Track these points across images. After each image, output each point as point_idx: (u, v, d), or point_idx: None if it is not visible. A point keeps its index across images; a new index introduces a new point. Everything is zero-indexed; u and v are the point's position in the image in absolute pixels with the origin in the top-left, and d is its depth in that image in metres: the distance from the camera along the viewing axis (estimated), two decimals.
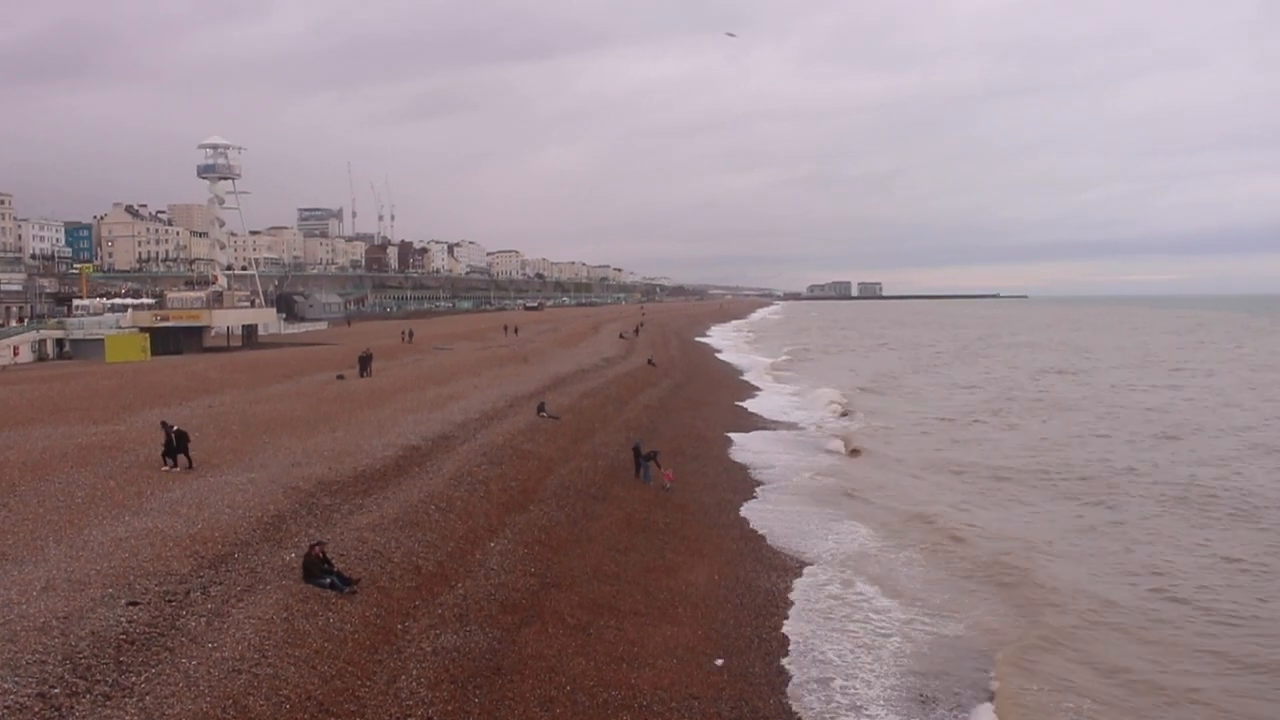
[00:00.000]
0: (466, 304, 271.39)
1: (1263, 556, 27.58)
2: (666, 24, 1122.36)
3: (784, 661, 19.50)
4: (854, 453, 43.93)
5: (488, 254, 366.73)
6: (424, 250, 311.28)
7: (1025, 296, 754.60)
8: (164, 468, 30.29)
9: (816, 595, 23.69)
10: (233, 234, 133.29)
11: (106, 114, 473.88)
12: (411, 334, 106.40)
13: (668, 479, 34.61)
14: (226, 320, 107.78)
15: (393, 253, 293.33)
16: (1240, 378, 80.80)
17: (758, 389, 71.93)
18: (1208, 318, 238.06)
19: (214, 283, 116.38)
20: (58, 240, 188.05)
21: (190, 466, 30.34)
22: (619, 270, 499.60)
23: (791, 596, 23.59)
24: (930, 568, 26.54)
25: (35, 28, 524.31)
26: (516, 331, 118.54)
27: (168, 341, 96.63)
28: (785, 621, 21.78)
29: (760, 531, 29.60)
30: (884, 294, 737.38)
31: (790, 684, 18.48)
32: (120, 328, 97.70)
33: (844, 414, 57.78)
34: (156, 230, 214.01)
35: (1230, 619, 22.69)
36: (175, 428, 31.58)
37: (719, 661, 19.07)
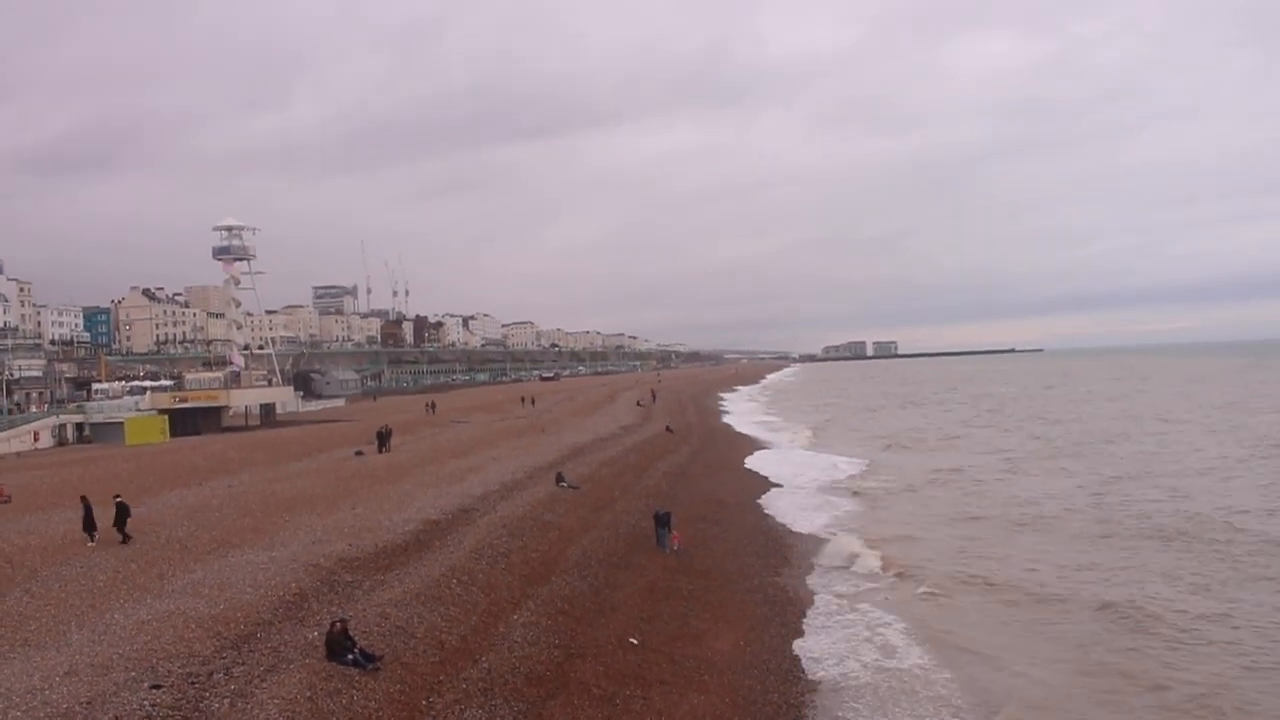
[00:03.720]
0: (482, 376, 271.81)
1: None
2: (675, 100, 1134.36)
3: None
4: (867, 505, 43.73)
5: (502, 326, 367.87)
6: (439, 324, 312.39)
7: (1041, 350, 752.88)
8: (89, 543, 30.69)
9: (843, 658, 23.45)
10: (249, 314, 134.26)
11: (126, 204, 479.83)
12: (434, 406, 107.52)
13: (675, 541, 34.42)
14: (244, 400, 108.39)
15: (408, 327, 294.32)
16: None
17: (773, 451, 71.62)
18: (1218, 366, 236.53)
19: (231, 363, 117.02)
20: (76, 325, 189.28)
21: (125, 541, 30.83)
22: (634, 338, 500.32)
23: (817, 658, 23.34)
24: (956, 615, 26.25)
25: (64, 127, 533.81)
26: (533, 402, 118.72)
27: (186, 422, 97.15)
28: (812, 687, 21.52)
29: (785, 597, 29.32)
30: (899, 353, 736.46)
31: None
32: (139, 410, 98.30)
33: (858, 473, 57.75)
34: (173, 312, 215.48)
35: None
36: (118, 499, 32.21)
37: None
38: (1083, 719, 20.05)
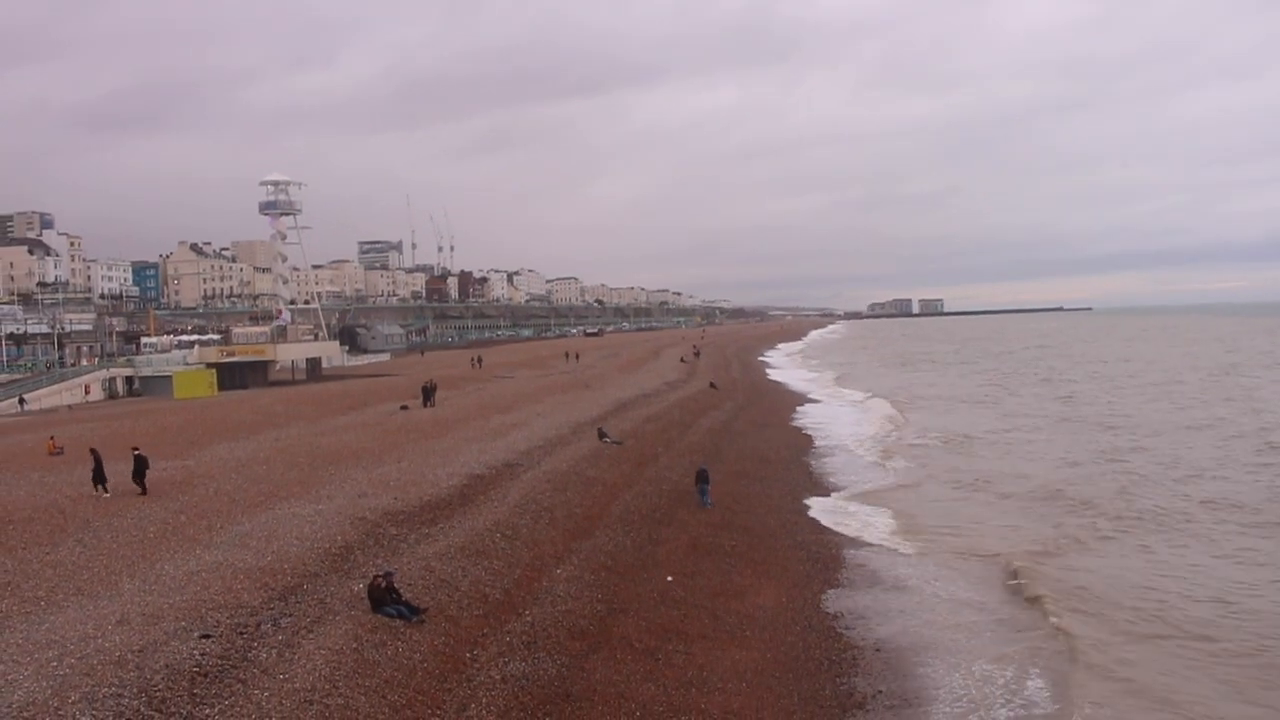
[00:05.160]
0: (527, 331, 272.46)
1: None
2: (719, 57, 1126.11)
3: (855, 681, 19.26)
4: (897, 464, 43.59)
5: (547, 281, 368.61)
6: (484, 280, 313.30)
7: (1090, 309, 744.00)
8: (96, 493, 31.16)
9: (884, 611, 23.42)
10: (295, 269, 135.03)
11: (176, 161, 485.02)
12: (481, 360, 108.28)
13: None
14: (291, 354, 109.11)
15: (453, 283, 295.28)
16: None
17: (818, 407, 71.36)
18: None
19: (277, 317, 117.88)
20: (125, 280, 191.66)
21: (144, 492, 31.24)
22: (678, 294, 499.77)
23: (861, 616, 23.31)
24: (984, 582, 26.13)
25: (116, 84, 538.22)
26: (578, 358, 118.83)
27: (234, 376, 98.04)
28: (855, 643, 21.52)
29: (828, 554, 29.26)
30: (945, 310, 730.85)
31: (861, 705, 18.24)
32: (187, 364, 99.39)
33: (899, 429, 57.66)
34: (221, 267, 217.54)
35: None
36: (136, 451, 32.66)
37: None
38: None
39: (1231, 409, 63.66)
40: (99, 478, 32.07)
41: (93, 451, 33.00)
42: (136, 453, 32.98)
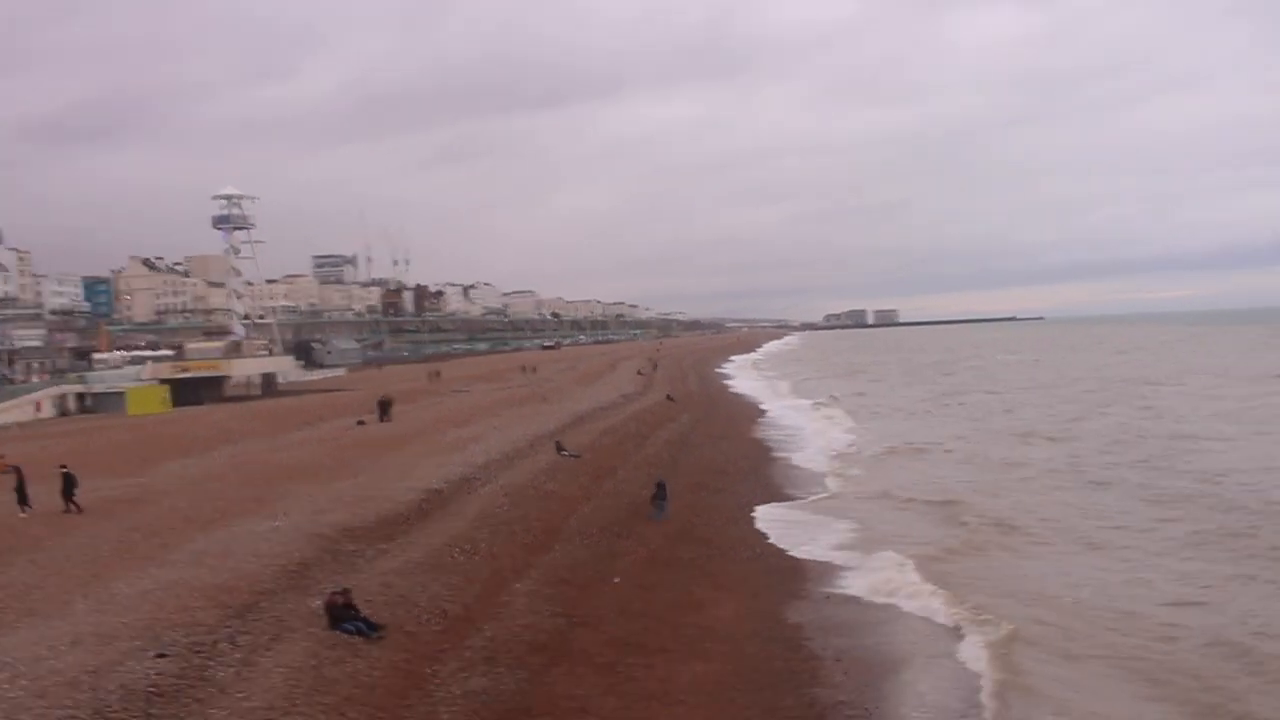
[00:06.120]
0: (483, 345, 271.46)
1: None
2: (677, 70, 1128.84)
3: (816, 692, 19.34)
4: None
5: (503, 295, 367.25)
6: (439, 294, 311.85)
7: (1042, 318, 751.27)
8: (20, 514, 30.86)
9: (845, 623, 23.53)
10: (249, 283, 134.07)
11: (128, 174, 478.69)
12: (439, 373, 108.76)
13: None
14: (245, 369, 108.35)
15: (408, 297, 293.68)
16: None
17: (775, 417, 71.62)
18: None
19: (231, 333, 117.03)
20: (76, 295, 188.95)
21: (78, 510, 31.03)
22: (634, 306, 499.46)
23: (819, 626, 23.41)
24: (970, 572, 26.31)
25: (70, 97, 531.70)
26: (534, 371, 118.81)
27: (188, 392, 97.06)
28: (815, 653, 21.60)
29: (786, 565, 29.38)
30: (900, 321, 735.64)
31: (821, 717, 18.31)
32: (141, 380, 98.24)
33: (855, 438, 58.11)
34: (174, 282, 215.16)
35: None
36: (64, 468, 32.28)
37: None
38: None
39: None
40: (22, 497, 31.68)
41: (15, 468, 32.58)
42: (64, 470, 32.50)
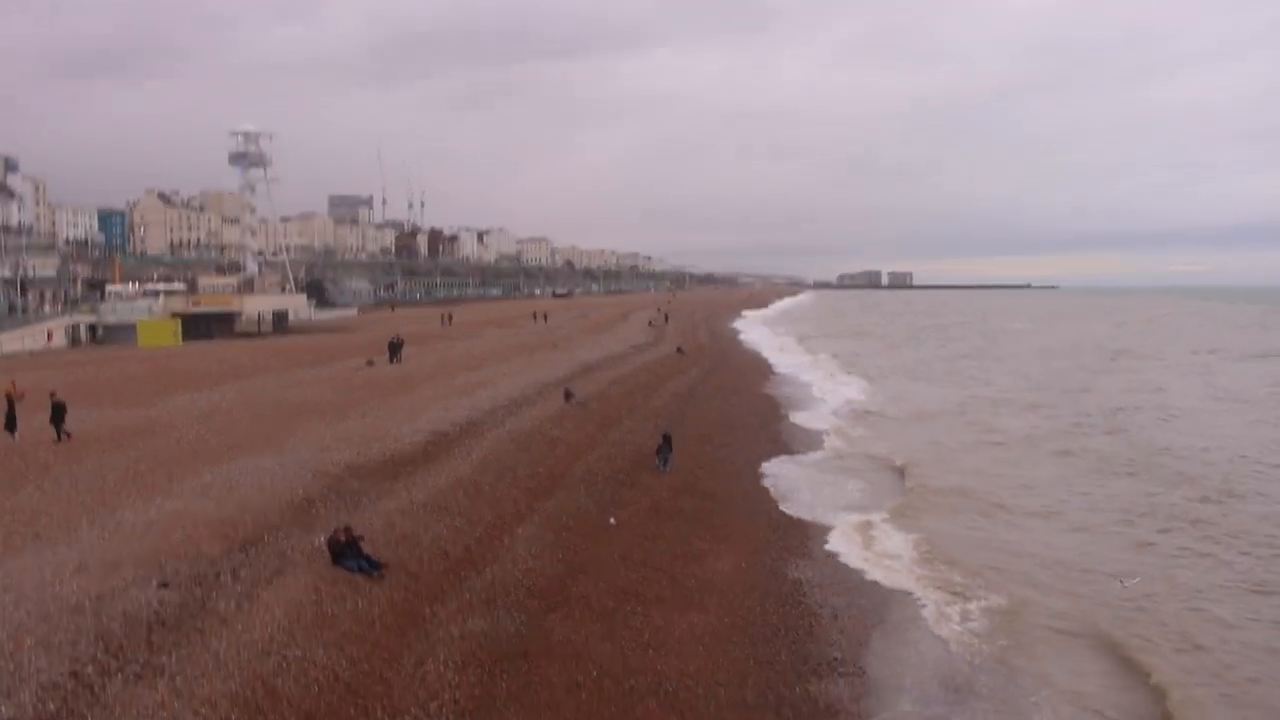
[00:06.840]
0: (496, 291, 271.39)
1: None
2: (701, 25, 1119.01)
3: (811, 647, 19.46)
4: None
5: (517, 241, 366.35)
6: (453, 238, 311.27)
7: (1056, 287, 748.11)
8: (10, 440, 31.01)
9: (843, 581, 23.64)
10: (263, 221, 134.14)
11: (149, 109, 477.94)
12: (451, 317, 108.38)
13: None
14: (257, 306, 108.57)
15: (422, 240, 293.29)
16: None
17: (784, 373, 71.59)
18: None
19: (245, 269, 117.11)
20: (91, 226, 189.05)
21: (66, 439, 31.32)
22: (648, 258, 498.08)
23: (818, 584, 23.52)
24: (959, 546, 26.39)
25: (89, 31, 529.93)
26: (546, 319, 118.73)
27: (199, 327, 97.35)
28: (812, 609, 21.71)
29: (789, 521, 29.48)
30: (914, 284, 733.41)
31: (816, 672, 18.43)
32: (153, 313, 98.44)
33: (865, 399, 58.19)
34: (188, 217, 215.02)
35: None
36: (54, 396, 32.39)
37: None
38: None
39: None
40: (10, 423, 31.82)
41: (7, 396, 32.63)
42: (54, 398, 32.54)
